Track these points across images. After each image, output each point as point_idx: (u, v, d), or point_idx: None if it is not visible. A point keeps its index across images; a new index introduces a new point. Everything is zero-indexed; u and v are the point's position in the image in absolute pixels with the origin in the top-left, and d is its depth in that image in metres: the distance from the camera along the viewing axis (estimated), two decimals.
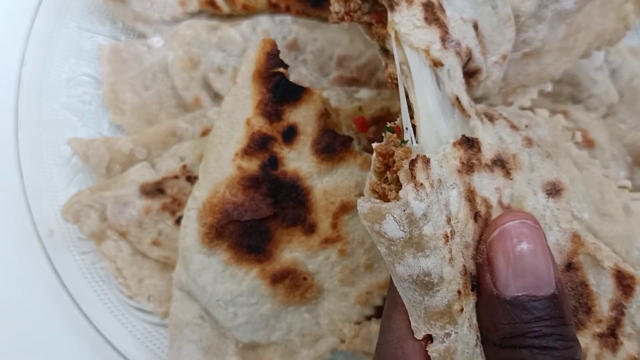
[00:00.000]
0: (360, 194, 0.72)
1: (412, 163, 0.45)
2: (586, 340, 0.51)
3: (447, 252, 0.45)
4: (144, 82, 0.86)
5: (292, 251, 0.72)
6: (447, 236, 0.45)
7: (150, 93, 0.86)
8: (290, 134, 0.72)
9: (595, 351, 0.51)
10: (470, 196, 0.49)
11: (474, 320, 0.47)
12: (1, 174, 0.84)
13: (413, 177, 0.45)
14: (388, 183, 0.48)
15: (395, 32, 0.51)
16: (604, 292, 0.52)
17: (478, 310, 0.47)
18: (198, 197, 0.73)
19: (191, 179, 0.80)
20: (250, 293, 0.71)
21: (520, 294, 0.44)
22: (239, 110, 0.74)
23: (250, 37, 0.85)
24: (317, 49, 0.86)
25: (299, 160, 0.72)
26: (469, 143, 0.50)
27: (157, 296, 0.81)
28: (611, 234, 0.56)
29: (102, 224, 0.81)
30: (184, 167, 0.81)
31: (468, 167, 0.49)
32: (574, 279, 0.52)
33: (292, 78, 0.78)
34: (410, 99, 0.51)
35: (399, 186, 0.46)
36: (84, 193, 0.81)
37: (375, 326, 0.72)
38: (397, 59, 0.52)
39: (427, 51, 0.51)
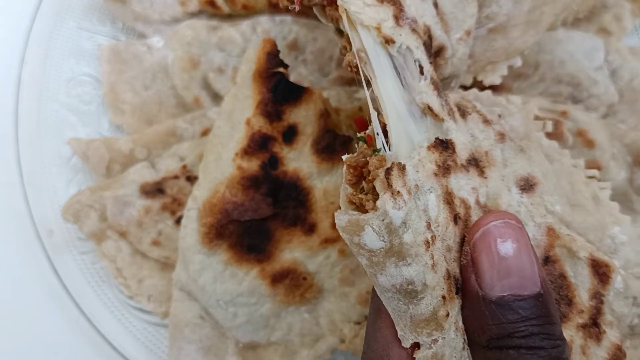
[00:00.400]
0: None
1: (388, 171, 0.45)
2: (570, 332, 0.51)
3: (429, 258, 0.44)
4: (144, 82, 0.86)
5: (292, 251, 0.72)
6: (428, 242, 0.45)
7: (150, 93, 0.86)
8: (290, 134, 0.72)
9: (580, 342, 0.51)
10: (449, 198, 0.48)
11: (460, 323, 0.47)
12: (1, 174, 0.84)
13: (389, 185, 0.44)
14: (365, 193, 0.47)
15: (348, 15, 0.50)
16: (582, 282, 0.53)
17: (464, 313, 0.47)
18: (198, 197, 0.73)
19: (191, 179, 0.80)
20: (250, 293, 0.71)
21: (505, 294, 0.44)
22: (239, 110, 0.74)
23: (250, 37, 0.85)
24: (317, 49, 0.86)
25: (299, 160, 0.72)
26: (444, 145, 0.50)
27: (157, 296, 0.81)
28: (584, 224, 0.56)
29: (102, 224, 0.81)
30: (184, 167, 0.81)
31: (444, 170, 0.49)
32: (552, 272, 0.52)
33: (292, 78, 0.78)
34: (376, 95, 0.50)
35: (375, 196, 0.45)
36: (84, 193, 0.81)
37: None
38: (354, 45, 0.51)
39: (378, 28, 0.50)
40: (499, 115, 0.59)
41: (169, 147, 0.83)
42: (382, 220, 0.43)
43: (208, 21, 0.86)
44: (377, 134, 0.49)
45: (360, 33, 0.51)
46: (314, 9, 0.58)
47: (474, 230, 0.48)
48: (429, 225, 0.46)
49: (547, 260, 0.53)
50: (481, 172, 0.53)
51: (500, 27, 0.67)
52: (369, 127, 0.52)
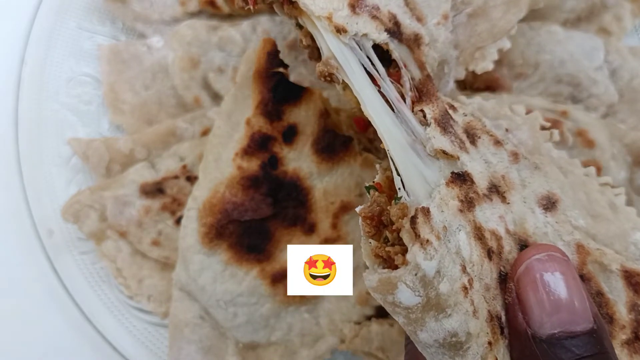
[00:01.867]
0: (361, 194, 0.72)
1: (414, 220, 0.42)
2: (616, 351, 0.48)
3: (469, 304, 0.42)
4: (144, 82, 0.86)
5: None
6: (466, 287, 0.42)
7: (150, 93, 0.86)
8: (290, 134, 0.72)
9: None
10: (479, 233, 0.46)
11: None
12: (1, 174, 0.84)
13: (417, 235, 0.41)
14: (391, 244, 0.45)
15: (299, 5, 0.49)
16: (618, 296, 0.50)
17: (513, 355, 0.44)
18: (198, 197, 0.73)
19: (191, 179, 0.80)
20: (250, 293, 0.71)
21: (556, 331, 0.41)
22: (239, 110, 0.74)
23: (250, 37, 0.85)
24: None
25: (299, 160, 0.72)
26: (461, 178, 0.47)
27: (157, 296, 0.81)
28: (607, 234, 0.55)
29: (102, 224, 0.81)
30: (184, 167, 0.81)
31: (468, 204, 0.46)
32: (589, 290, 0.50)
33: (292, 78, 0.78)
34: (377, 132, 0.48)
35: (404, 248, 0.42)
36: (84, 193, 0.81)
37: (375, 326, 0.72)
38: (323, 53, 0.49)
39: (329, 18, 0.48)
40: (507, 130, 0.58)
41: (169, 147, 0.83)
42: (415, 275, 0.41)
43: (208, 21, 0.86)
44: (398, 187, 0.47)
45: (324, 36, 0.49)
46: (274, 6, 0.56)
47: (517, 266, 0.45)
48: (464, 269, 0.43)
49: (582, 279, 0.50)
50: (503, 198, 0.51)
51: (480, 10, 0.66)
52: (376, 176, 0.50)
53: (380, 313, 0.73)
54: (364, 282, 0.72)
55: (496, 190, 0.50)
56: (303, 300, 0.72)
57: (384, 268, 0.44)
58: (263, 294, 0.71)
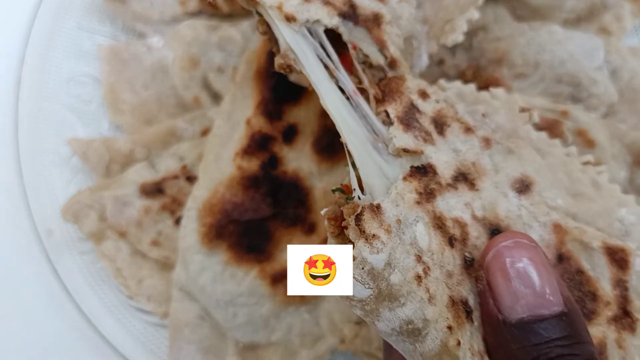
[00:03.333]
0: None
1: (358, 217, 0.44)
2: (602, 328, 0.49)
3: (424, 292, 0.43)
4: (144, 82, 0.86)
5: None
6: (420, 276, 0.43)
7: (150, 93, 0.86)
8: (290, 134, 0.72)
9: (614, 336, 0.49)
10: (439, 223, 0.47)
11: (476, 347, 0.45)
12: (1, 174, 0.84)
13: (362, 231, 0.43)
14: (348, 242, 0.46)
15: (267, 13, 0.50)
16: (601, 273, 0.51)
17: (487, 341, 0.45)
18: (198, 197, 0.73)
19: (191, 179, 0.80)
20: (250, 293, 0.71)
21: (525, 316, 0.42)
22: (239, 110, 0.74)
23: (250, 37, 0.85)
24: None
25: (299, 160, 0.72)
26: (421, 171, 0.49)
27: (157, 296, 0.81)
28: (589, 212, 0.55)
29: (102, 224, 0.81)
30: (184, 167, 0.81)
31: (428, 195, 0.48)
32: (568, 269, 0.51)
33: (292, 78, 0.78)
34: (335, 122, 0.49)
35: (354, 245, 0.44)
36: (84, 193, 0.81)
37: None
38: (281, 45, 0.50)
39: (279, 7, 0.50)
40: (483, 115, 0.58)
41: (169, 147, 0.83)
42: (362, 268, 0.42)
43: (208, 21, 0.86)
44: (353, 187, 0.48)
45: (279, 26, 0.50)
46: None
47: (485, 253, 0.47)
48: (419, 258, 0.44)
49: (561, 258, 0.51)
50: (471, 185, 0.51)
51: None
52: (346, 178, 0.51)
53: None
54: None
55: (464, 178, 0.51)
56: (303, 300, 0.72)
57: None
58: (263, 294, 0.71)
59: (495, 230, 0.50)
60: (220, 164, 0.73)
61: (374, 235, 0.43)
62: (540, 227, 0.52)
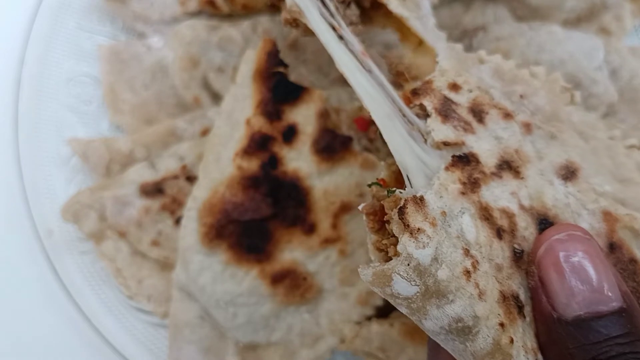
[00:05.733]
0: (361, 194, 0.72)
1: (401, 210, 0.42)
2: None
3: (474, 287, 0.41)
4: (144, 82, 0.86)
5: (292, 251, 0.72)
6: (469, 271, 0.41)
7: (150, 93, 0.86)
8: (290, 134, 0.72)
9: None
10: (486, 214, 0.45)
11: (529, 343, 0.43)
12: (1, 174, 0.84)
13: (406, 225, 0.41)
14: (390, 236, 0.44)
15: None
16: None
17: (541, 339, 0.43)
18: (198, 197, 0.73)
19: (191, 179, 0.80)
20: (250, 293, 0.71)
21: (582, 313, 0.40)
22: (239, 110, 0.74)
23: (250, 37, 0.85)
24: (317, 49, 0.85)
25: (299, 160, 0.72)
26: (464, 160, 0.47)
27: (157, 296, 0.81)
28: (638, 197, 0.51)
29: (102, 224, 0.81)
30: (184, 167, 0.81)
31: (472, 185, 0.45)
32: (621, 258, 0.47)
33: (292, 78, 0.78)
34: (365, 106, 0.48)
35: (396, 238, 0.42)
36: (84, 193, 0.81)
37: (375, 326, 0.72)
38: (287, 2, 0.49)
39: None
40: (521, 96, 0.55)
41: (169, 147, 0.83)
42: (408, 265, 0.40)
43: (208, 21, 0.86)
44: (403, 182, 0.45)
45: None
46: None
47: (536, 248, 0.44)
48: (467, 252, 0.42)
49: (612, 247, 0.48)
50: (516, 174, 0.49)
51: None
52: (382, 172, 0.50)
53: (381, 313, 0.73)
54: (364, 284, 0.72)
55: (508, 166, 0.49)
56: (303, 300, 0.72)
57: (384, 260, 0.44)
58: (263, 294, 0.71)
59: (543, 220, 0.48)
60: (220, 164, 0.73)
61: (419, 229, 0.41)
62: (590, 215, 0.49)
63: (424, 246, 0.40)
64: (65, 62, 0.87)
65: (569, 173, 0.50)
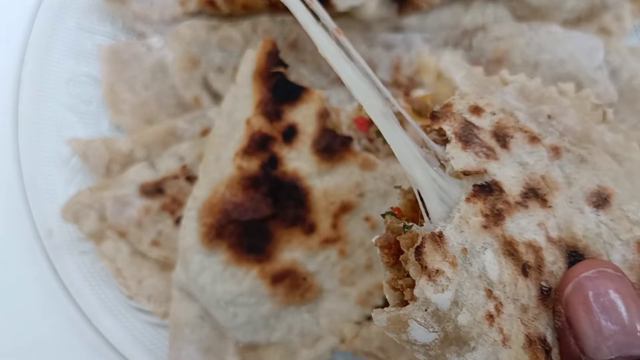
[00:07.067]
0: (361, 194, 0.72)
1: (419, 250, 0.38)
2: None
3: (497, 333, 0.38)
4: (144, 82, 0.86)
5: (292, 251, 0.72)
6: (491, 315, 0.38)
7: (150, 93, 0.86)
8: (290, 134, 0.72)
9: None
10: (510, 249, 0.42)
11: None
12: (1, 174, 0.84)
13: (424, 267, 0.38)
14: (405, 275, 0.41)
15: None
16: None
17: None
18: (198, 197, 0.73)
19: (191, 179, 0.80)
20: (250, 293, 0.71)
21: (614, 357, 0.37)
22: (239, 110, 0.74)
23: (250, 37, 0.85)
24: (317, 49, 0.85)
25: (298, 160, 0.72)
26: (486, 189, 0.43)
27: (157, 296, 0.81)
28: None
29: (102, 224, 0.81)
30: (184, 167, 0.81)
31: (496, 217, 0.42)
32: None
33: (292, 78, 0.78)
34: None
35: (414, 280, 0.39)
36: (84, 193, 0.81)
37: (375, 326, 0.72)
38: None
39: None
40: (549, 116, 0.52)
41: (169, 147, 0.83)
42: (426, 310, 0.37)
43: (208, 21, 0.86)
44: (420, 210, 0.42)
45: None
46: None
47: (563, 286, 0.41)
48: (489, 293, 0.39)
49: None
50: (543, 202, 0.45)
51: None
52: (398, 201, 0.46)
53: None
54: (364, 284, 0.72)
55: (534, 194, 0.45)
56: (303, 300, 0.72)
57: (400, 302, 0.41)
58: (263, 294, 0.71)
59: (573, 253, 0.45)
60: (220, 164, 0.73)
61: (437, 270, 0.38)
62: (623, 246, 0.45)
63: (442, 290, 0.38)
64: (65, 62, 0.87)
65: (600, 200, 0.47)
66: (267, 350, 0.74)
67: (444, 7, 0.84)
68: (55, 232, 0.83)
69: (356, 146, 0.74)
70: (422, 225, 0.43)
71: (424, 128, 0.48)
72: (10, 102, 0.85)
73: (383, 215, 0.46)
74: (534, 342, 0.40)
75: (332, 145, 0.72)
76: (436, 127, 0.47)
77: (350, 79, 0.46)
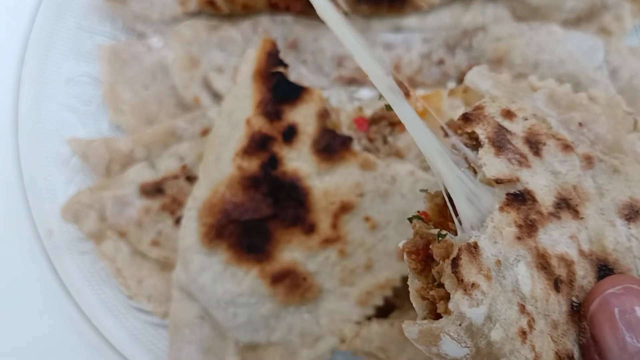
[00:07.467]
0: (361, 194, 0.72)
1: (455, 263, 0.37)
2: None
3: (529, 350, 0.37)
4: (144, 82, 0.86)
5: (292, 251, 0.72)
6: (524, 331, 0.37)
7: (150, 93, 0.86)
8: (290, 134, 0.72)
9: None
10: (543, 262, 0.41)
11: None
12: (1, 174, 0.84)
13: (460, 280, 0.37)
14: (436, 285, 0.40)
15: None
16: None
17: None
18: (198, 197, 0.73)
19: (191, 179, 0.80)
20: (250, 293, 0.71)
21: None
22: (239, 110, 0.74)
23: (251, 37, 0.85)
24: (317, 49, 0.86)
25: (298, 160, 0.72)
26: (519, 198, 0.42)
27: (157, 296, 0.81)
28: None
29: (102, 224, 0.81)
30: (184, 167, 0.81)
31: (529, 228, 0.41)
32: None
33: (292, 78, 0.78)
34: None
35: (448, 292, 0.38)
36: (84, 193, 0.81)
37: (375, 326, 0.72)
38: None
39: None
40: (580, 124, 0.50)
41: (169, 147, 0.83)
42: (460, 325, 0.37)
43: (208, 21, 0.86)
44: (452, 216, 0.41)
45: None
46: None
47: (589, 302, 0.40)
48: (522, 308, 0.38)
49: None
50: (575, 213, 0.44)
51: None
52: (425, 205, 0.45)
53: (381, 313, 0.73)
54: (364, 284, 0.72)
55: (566, 204, 0.44)
56: (303, 300, 0.72)
57: (430, 312, 0.40)
58: (263, 294, 0.71)
59: (603, 267, 0.44)
60: (220, 164, 0.73)
61: (473, 284, 0.37)
62: None
63: (478, 304, 0.36)
64: (65, 62, 0.87)
65: (632, 213, 0.46)
66: (267, 350, 0.74)
67: (444, 7, 0.84)
68: (55, 232, 0.83)
69: (356, 146, 0.74)
70: (453, 229, 0.42)
71: (455, 130, 0.46)
72: (10, 102, 0.85)
73: (410, 220, 0.45)
74: (562, 359, 0.39)
75: (332, 145, 0.72)
76: (469, 130, 0.45)
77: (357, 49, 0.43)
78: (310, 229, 0.72)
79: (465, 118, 0.47)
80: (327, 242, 0.72)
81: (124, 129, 0.86)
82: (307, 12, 0.86)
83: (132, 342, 0.81)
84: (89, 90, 0.88)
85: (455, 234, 0.42)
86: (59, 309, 0.81)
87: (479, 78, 0.55)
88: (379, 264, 0.72)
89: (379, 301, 0.73)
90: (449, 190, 0.42)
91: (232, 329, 0.73)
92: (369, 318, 0.73)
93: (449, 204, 0.42)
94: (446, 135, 0.47)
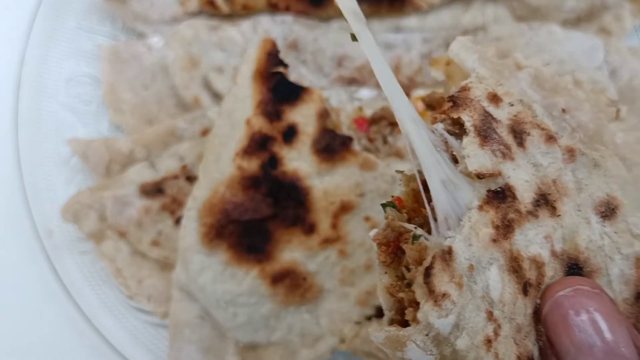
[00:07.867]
0: (361, 194, 0.72)
1: (428, 273, 0.36)
2: None
3: (493, 358, 0.37)
4: (144, 82, 0.86)
5: (292, 251, 0.72)
6: (490, 340, 0.37)
7: (150, 93, 0.86)
8: (290, 134, 0.72)
9: None
10: (515, 265, 0.40)
11: None
12: (1, 174, 0.84)
13: (431, 291, 0.36)
14: (406, 284, 0.39)
15: None
16: None
17: None
18: (198, 197, 0.73)
19: (191, 179, 0.80)
20: (250, 293, 0.71)
21: None
22: (239, 110, 0.74)
23: (251, 37, 0.85)
24: (317, 49, 0.86)
25: (298, 160, 0.72)
26: (500, 195, 0.40)
27: (157, 296, 0.81)
28: None
29: (102, 224, 0.81)
30: (184, 167, 0.81)
31: (506, 229, 0.40)
32: None
33: (292, 78, 0.78)
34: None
35: (417, 299, 0.37)
36: (84, 193, 0.81)
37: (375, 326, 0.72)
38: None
39: None
40: (563, 110, 0.49)
41: (169, 147, 0.83)
42: (427, 335, 0.36)
43: (208, 21, 0.86)
44: (427, 213, 0.39)
45: None
46: None
47: (542, 304, 0.41)
48: (490, 315, 0.38)
49: (639, 297, 0.43)
50: (553, 210, 0.43)
51: None
52: (398, 190, 0.43)
53: (381, 313, 0.73)
54: (364, 284, 0.72)
55: (545, 200, 0.43)
56: (303, 300, 0.72)
57: (397, 312, 0.40)
58: (263, 294, 0.71)
59: (573, 266, 0.43)
60: (220, 164, 0.73)
61: (444, 294, 0.36)
62: (622, 260, 0.44)
63: (447, 314, 0.36)
64: (65, 62, 0.87)
65: (608, 211, 0.45)
66: (267, 350, 0.74)
67: (444, 7, 0.84)
68: (55, 232, 0.83)
69: (356, 146, 0.74)
70: (427, 223, 0.40)
71: (440, 113, 0.44)
72: (10, 102, 0.85)
73: (383, 207, 0.43)
74: None
75: (332, 145, 0.72)
76: (455, 116, 0.43)
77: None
78: (310, 229, 0.72)
79: (452, 100, 0.44)
80: (327, 242, 0.72)
81: (124, 129, 0.86)
82: (307, 12, 0.86)
83: (132, 342, 0.81)
84: (89, 90, 0.88)
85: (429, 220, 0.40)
86: (59, 309, 0.81)
87: (464, 51, 0.52)
88: None
89: (378, 301, 0.72)
90: (422, 169, 0.40)
91: (232, 329, 0.73)
92: (369, 318, 0.73)
93: (421, 190, 0.40)
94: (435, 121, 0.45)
